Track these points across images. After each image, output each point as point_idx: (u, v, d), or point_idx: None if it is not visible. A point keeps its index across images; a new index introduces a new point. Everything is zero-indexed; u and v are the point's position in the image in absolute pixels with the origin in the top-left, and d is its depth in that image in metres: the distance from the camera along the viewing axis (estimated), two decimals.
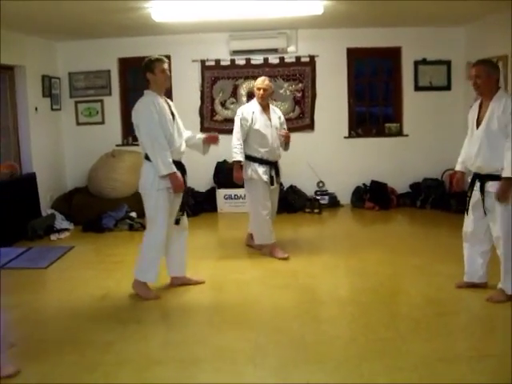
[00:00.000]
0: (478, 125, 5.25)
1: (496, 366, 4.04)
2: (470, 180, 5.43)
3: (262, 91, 6.86)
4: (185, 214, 6.04)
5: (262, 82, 6.87)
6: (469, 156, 5.35)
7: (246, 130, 6.89)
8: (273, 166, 7.02)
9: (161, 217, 5.62)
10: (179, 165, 5.74)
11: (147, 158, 5.57)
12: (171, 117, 5.66)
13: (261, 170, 6.92)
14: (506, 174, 4.96)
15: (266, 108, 7.00)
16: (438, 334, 4.65)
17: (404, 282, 6.07)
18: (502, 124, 5.02)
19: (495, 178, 5.09)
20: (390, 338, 4.61)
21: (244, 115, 6.91)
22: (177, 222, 5.90)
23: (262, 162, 6.94)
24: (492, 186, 5.13)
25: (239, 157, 6.87)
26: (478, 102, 5.39)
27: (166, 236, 5.73)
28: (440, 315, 5.04)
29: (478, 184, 5.28)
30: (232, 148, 6.92)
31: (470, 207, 5.42)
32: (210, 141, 6.10)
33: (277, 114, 7.16)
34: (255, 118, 6.88)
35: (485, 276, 5.53)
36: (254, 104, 7.00)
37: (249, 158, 6.96)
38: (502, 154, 5.00)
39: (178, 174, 5.57)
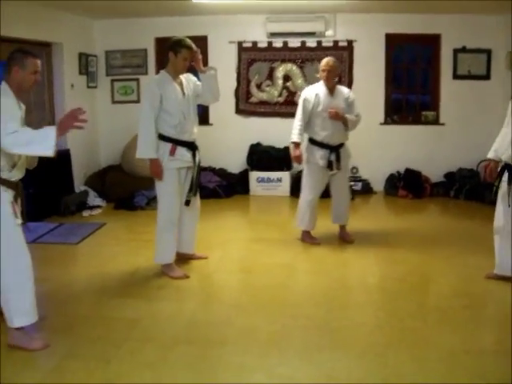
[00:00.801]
0: None
1: None
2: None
3: (325, 72, 6.60)
4: (197, 194, 6.00)
5: (326, 63, 6.61)
6: (502, 145, 5.26)
7: (308, 111, 6.68)
8: (333, 150, 6.74)
9: (169, 197, 5.66)
10: (191, 145, 5.74)
11: (159, 137, 5.62)
12: (181, 96, 5.63)
13: (319, 153, 6.72)
14: None
15: (332, 89, 6.72)
16: (464, 325, 4.59)
17: (433, 272, 6.00)
18: None
19: None
20: (417, 328, 4.58)
21: (306, 96, 6.71)
22: (187, 203, 5.87)
23: (322, 145, 6.73)
24: None
25: (295, 137, 6.68)
26: None
27: (176, 216, 5.75)
28: (468, 307, 4.98)
29: (506, 175, 5.18)
30: (292, 128, 6.77)
31: (499, 199, 5.33)
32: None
33: (344, 95, 6.81)
34: (318, 99, 6.65)
35: None
36: (320, 85, 6.74)
37: (309, 140, 6.82)
38: None
39: (158, 161, 5.57)
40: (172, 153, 5.56)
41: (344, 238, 7.05)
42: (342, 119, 6.60)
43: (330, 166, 6.71)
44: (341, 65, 9.83)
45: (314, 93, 6.69)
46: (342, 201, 7.03)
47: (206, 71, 5.77)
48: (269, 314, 4.86)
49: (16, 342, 4.23)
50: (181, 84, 5.68)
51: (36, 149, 3.93)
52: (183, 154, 5.65)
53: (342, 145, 6.84)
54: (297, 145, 6.70)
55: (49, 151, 3.90)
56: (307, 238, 6.99)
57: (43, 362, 4.10)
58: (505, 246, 5.38)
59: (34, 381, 3.81)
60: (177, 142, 5.60)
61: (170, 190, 5.63)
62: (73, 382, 3.80)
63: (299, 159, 6.74)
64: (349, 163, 7.18)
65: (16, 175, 4.24)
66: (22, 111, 4.32)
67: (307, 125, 6.75)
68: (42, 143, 3.88)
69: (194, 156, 5.75)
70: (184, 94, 5.66)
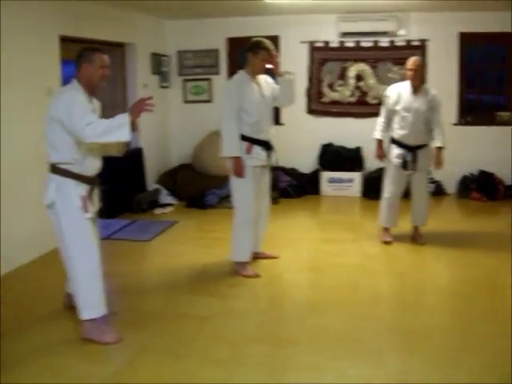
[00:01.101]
0: None
1: None
2: None
3: (412, 72, 6.48)
4: (268, 193, 6.07)
5: (412, 62, 6.50)
6: None
7: (390, 109, 6.69)
8: (411, 150, 6.63)
9: (247, 195, 5.67)
10: (266, 144, 5.76)
11: None
12: (259, 96, 5.67)
13: (396, 152, 6.69)
14: None
15: (416, 89, 6.60)
16: None
17: (507, 276, 5.81)
18: None
19: None
20: (491, 333, 4.46)
21: (389, 94, 6.74)
22: (275, 201, 5.92)
23: (399, 144, 6.70)
24: None
25: (377, 134, 6.80)
26: None
27: (253, 214, 5.76)
28: None
29: None
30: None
31: None
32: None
33: (428, 96, 6.62)
34: (400, 98, 6.60)
35: None
36: (405, 84, 6.67)
37: (390, 138, 6.82)
38: None
39: (241, 160, 5.58)
40: (248, 151, 5.59)
41: (415, 239, 6.95)
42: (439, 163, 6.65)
43: (405, 165, 6.65)
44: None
45: (396, 91, 6.66)
46: (419, 202, 6.92)
47: (284, 75, 5.78)
48: (340, 315, 4.82)
49: (89, 335, 4.32)
50: (259, 84, 5.72)
51: (113, 136, 4.03)
52: (259, 152, 5.68)
53: (422, 146, 6.69)
54: (378, 141, 6.77)
55: (125, 137, 4.03)
56: (382, 234, 7.00)
57: (115, 356, 4.19)
58: None
59: (107, 374, 3.88)
60: (253, 141, 5.63)
61: (247, 189, 5.65)
62: (144, 376, 3.85)
63: (380, 156, 6.81)
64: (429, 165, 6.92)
65: (89, 170, 4.33)
66: (94, 106, 4.43)
67: (389, 122, 6.76)
68: (118, 130, 3.99)
69: (268, 155, 5.77)
70: (262, 94, 5.70)
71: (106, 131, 4.00)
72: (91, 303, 4.31)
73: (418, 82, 6.58)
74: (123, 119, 4.01)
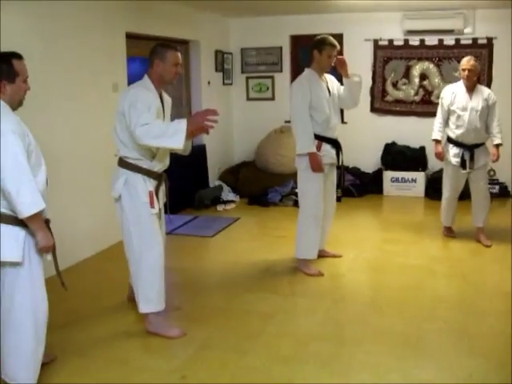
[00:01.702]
0: None
1: None
2: None
3: (466, 72, 6.56)
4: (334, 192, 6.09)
5: (466, 62, 6.59)
6: None
7: (446, 109, 6.75)
8: (468, 149, 6.67)
9: (315, 192, 5.65)
10: (334, 142, 5.77)
11: None
12: (327, 94, 5.68)
13: (453, 151, 6.74)
14: None
15: (471, 89, 6.68)
16: None
17: None
18: None
19: None
20: None
21: (444, 94, 6.83)
22: (338, 199, 5.96)
23: (456, 143, 6.73)
24: None
25: (435, 135, 6.84)
26: None
27: (321, 212, 5.74)
28: None
29: None
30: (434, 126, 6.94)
31: None
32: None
33: (484, 95, 6.70)
34: (455, 98, 6.67)
35: None
36: (459, 84, 6.78)
37: (447, 138, 6.86)
38: None
39: (318, 155, 5.55)
40: (318, 149, 5.59)
41: (479, 240, 6.87)
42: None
43: (463, 165, 6.66)
44: (480, 63, 9.55)
45: (451, 91, 6.73)
46: (477, 201, 6.90)
47: (352, 77, 5.81)
48: (404, 315, 4.78)
49: (154, 328, 4.38)
50: (326, 82, 5.74)
51: (166, 142, 4.00)
52: (328, 150, 5.69)
53: (479, 145, 6.72)
54: (437, 142, 6.80)
55: (178, 145, 3.97)
56: (445, 231, 7.14)
57: (179, 351, 4.21)
58: None
59: (171, 367, 3.93)
60: (322, 139, 5.63)
61: (316, 186, 5.64)
62: (207, 371, 3.89)
63: (440, 156, 6.82)
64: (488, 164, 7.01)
65: (157, 166, 4.37)
66: (164, 104, 4.45)
67: (445, 122, 6.81)
68: (172, 137, 3.93)
69: (337, 153, 5.78)
70: (330, 92, 5.72)
71: (159, 135, 3.96)
72: (151, 298, 4.36)
73: (472, 82, 6.64)
74: (180, 126, 3.95)
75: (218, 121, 4.11)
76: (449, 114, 6.75)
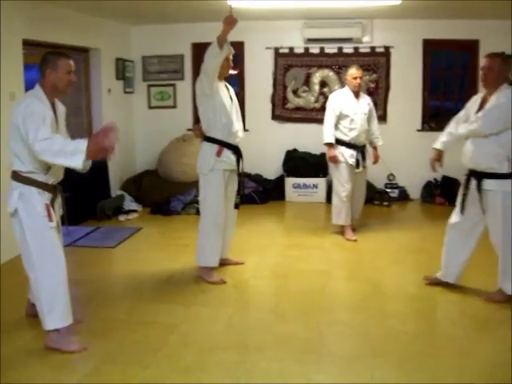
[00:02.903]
0: None
1: None
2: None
3: (358, 79, 7.18)
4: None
5: (356, 71, 7.18)
6: (464, 152, 5.20)
7: (337, 114, 7.17)
8: (359, 149, 7.28)
9: (216, 199, 5.66)
10: (236, 149, 5.76)
11: (206, 139, 5.66)
12: (230, 101, 5.70)
13: (348, 153, 7.21)
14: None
15: (357, 94, 7.28)
16: (507, 335, 4.48)
17: (474, 280, 5.85)
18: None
19: (491, 175, 4.93)
20: (457, 337, 4.50)
21: (334, 100, 7.30)
22: (236, 206, 5.97)
23: (349, 145, 7.22)
24: (489, 184, 4.96)
25: (329, 139, 7.22)
26: (481, 94, 5.21)
27: (223, 218, 5.75)
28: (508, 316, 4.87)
29: (473, 182, 5.09)
30: (324, 131, 7.29)
31: (465, 205, 5.21)
32: None
33: (366, 100, 7.45)
34: (345, 103, 7.19)
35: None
36: (345, 90, 7.33)
37: (338, 141, 7.23)
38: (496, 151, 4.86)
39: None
40: (219, 154, 5.57)
41: (353, 231, 7.53)
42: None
43: (357, 164, 7.24)
44: (378, 71, 9.79)
45: (340, 97, 7.33)
46: (359, 197, 7.66)
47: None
48: (306, 321, 4.82)
49: (54, 344, 4.25)
50: (227, 88, 5.77)
51: (64, 161, 3.91)
52: (229, 156, 5.67)
53: (365, 145, 7.46)
54: (331, 145, 7.26)
55: (76, 165, 3.89)
56: (347, 232, 7.44)
57: (80, 365, 4.09)
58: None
59: (72, 383, 3.82)
60: (223, 144, 5.62)
61: (217, 193, 5.64)
62: None
63: (335, 159, 7.23)
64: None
65: (51, 179, 4.26)
66: (57, 114, 4.33)
67: (335, 126, 7.27)
68: (71, 157, 3.85)
69: (238, 160, 5.78)
70: (231, 98, 5.74)
71: (58, 153, 3.86)
72: (57, 313, 4.21)
73: (360, 88, 7.37)
74: (79, 146, 3.85)
75: (119, 138, 4.09)
76: (339, 118, 7.20)
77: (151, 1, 7.61)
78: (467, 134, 5.05)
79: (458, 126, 5.35)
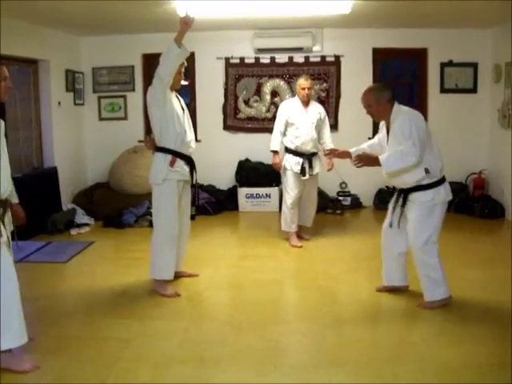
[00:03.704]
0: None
1: None
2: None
3: (307, 90, 7.32)
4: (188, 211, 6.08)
5: (305, 81, 7.32)
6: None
7: (284, 122, 7.36)
8: (306, 157, 7.35)
9: (170, 210, 5.61)
10: (189, 160, 5.73)
11: (158, 149, 5.61)
12: (182, 111, 5.68)
13: (294, 160, 7.35)
14: (382, 158, 5.03)
15: (306, 103, 7.41)
16: (460, 340, 4.55)
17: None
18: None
19: (416, 189, 5.08)
20: (413, 342, 4.55)
21: (282, 109, 7.49)
22: (193, 217, 6.00)
23: (296, 153, 7.35)
24: (416, 197, 5.10)
25: (275, 146, 7.44)
26: None
27: (177, 230, 5.70)
28: (462, 320, 4.94)
29: (401, 198, 5.24)
30: (272, 138, 7.47)
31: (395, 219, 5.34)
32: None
33: (317, 109, 7.55)
34: (293, 112, 7.36)
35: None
36: (295, 100, 7.51)
37: (285, 148, 7.46)
38: (413, 169, 4.99)
39: None
40: (172, 164, 5.53)
41: (302, 236, 7.77)
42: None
43: (303, 172, 7.34)
44: (328, 80, 9.85)
45: (288, 106, 7.52)
46: (310, 204, 7.76)
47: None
48: (262, 331, 4.80)
49: (4, 364, 4.11)
50: (178, 99, 5.74)
51: None
52: (182, 166, 5.63)
53: (315, 153, 7.53)
54: (276, 153, 7.46)
55: None
56: (292, 239, 7.60)
57: None
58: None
59: None
60: (177, 155, 5.58)
61: (170, 204, 5.60)
62: None
63: (278, 166, 7.48)
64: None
65: (1, 193, 4.16)
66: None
67: (283, 134, 7.47)
68: None
69: (191, 171, 5.75)
70: (183, 108, 5.71)
71: None
72: (12, 332, 4.08)
73: (310, 97, 7.49)
74: None
75: None
76: (286, 126, 7.37)
77: (100, 8, 7.54)
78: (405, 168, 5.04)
79: (377, 141, 5.55)
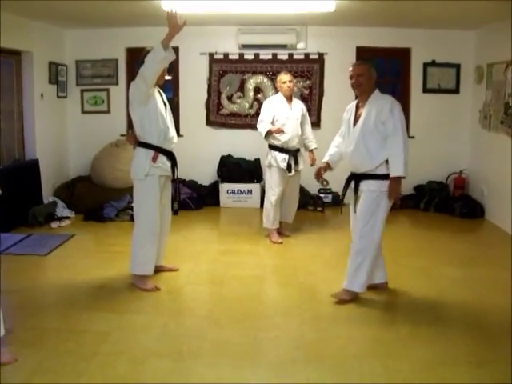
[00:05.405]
0: (354, 124, 5.41)
1: (496, 373, 4.00)
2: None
3: (289, 84, 7.38)
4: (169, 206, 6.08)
5: (285, 75, 7.42)
6: (345, 155, 5.53)
7: (270, 120, 7.37)
8: (291, 154, 7.41)
9: (152, 205, 5.61)
10: (170, 155, 5.73)
11: (140, 144, 5.61)
12: (164, 107, 5.68)
13: (280, 157, 7.39)
14: (394, 173, 5.16)
15: (289, 100, 7.48)
16: (438, 337, 4.60)
17: (405, 283, 5.95)
18: (378, 123, 5.18)
19: (369, 176, 5.28)
20: (390, 340, 4.58)
21: (267, 105, 7.51)
22: (175, 212, 6.03)
23: (281, 150, 7.40)
24: (366, 185, 5.33)
25: (264, 130, 7.35)
26: (355, 102, 5.60)
27: (158, 225, 5.71)
28: (440, 319, 5.00)
29: (353, 183, 5.50)
30: (259, 129, 7.48)
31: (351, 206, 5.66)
32: None
33: (299, 105, 7.62)
34: (277, 108, 7.40)
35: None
36: (278, 96, 7.54)
37: (270, 145, 7.50)
38: (377, 153, 5.21)
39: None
40: (154, 160, 5.53)
41: (283, 233, 7.81)
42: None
43: (289, 168, 7.39)
44: (312, 77, 9.88)
45: (273, 102, 7.54)
46: (292, 201, 7.83)
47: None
48: (241, 326, 4.83)
49: None
50: (160, 94, 5.74)
51: None
52: (164, 162, 5.64)
53: (299, 150, 7.60)
54: (269, 131, 7.36)
55: None
56: (272, 235, 7.65)
57: (11, 377, 3.97)
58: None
59: None
60: (159, 150, 5.58)
61: (152, 199, 5.60)
62: None
63: (279, 129, 7.31)
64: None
65: None
66: None
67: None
68: None
69: (172, 166, 5.75)
70: (165, 104, 5.72)
71: None
72: None
73: (292, 93, 7.56)
74: None
75: None
76: (272, 123, 7.36)
77: (85, 1, 7.49)
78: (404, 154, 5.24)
79: (341, 139, 5.71)
